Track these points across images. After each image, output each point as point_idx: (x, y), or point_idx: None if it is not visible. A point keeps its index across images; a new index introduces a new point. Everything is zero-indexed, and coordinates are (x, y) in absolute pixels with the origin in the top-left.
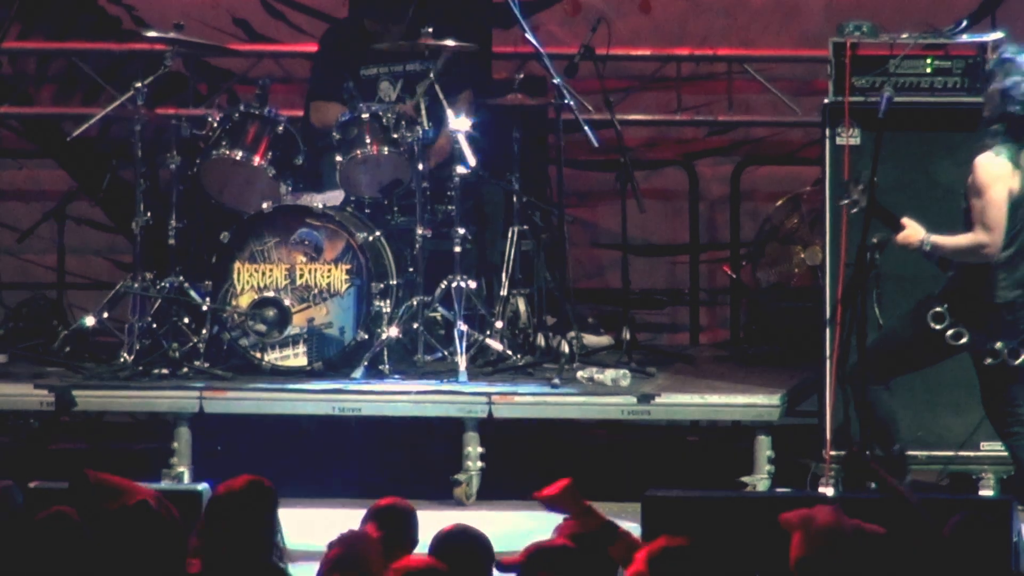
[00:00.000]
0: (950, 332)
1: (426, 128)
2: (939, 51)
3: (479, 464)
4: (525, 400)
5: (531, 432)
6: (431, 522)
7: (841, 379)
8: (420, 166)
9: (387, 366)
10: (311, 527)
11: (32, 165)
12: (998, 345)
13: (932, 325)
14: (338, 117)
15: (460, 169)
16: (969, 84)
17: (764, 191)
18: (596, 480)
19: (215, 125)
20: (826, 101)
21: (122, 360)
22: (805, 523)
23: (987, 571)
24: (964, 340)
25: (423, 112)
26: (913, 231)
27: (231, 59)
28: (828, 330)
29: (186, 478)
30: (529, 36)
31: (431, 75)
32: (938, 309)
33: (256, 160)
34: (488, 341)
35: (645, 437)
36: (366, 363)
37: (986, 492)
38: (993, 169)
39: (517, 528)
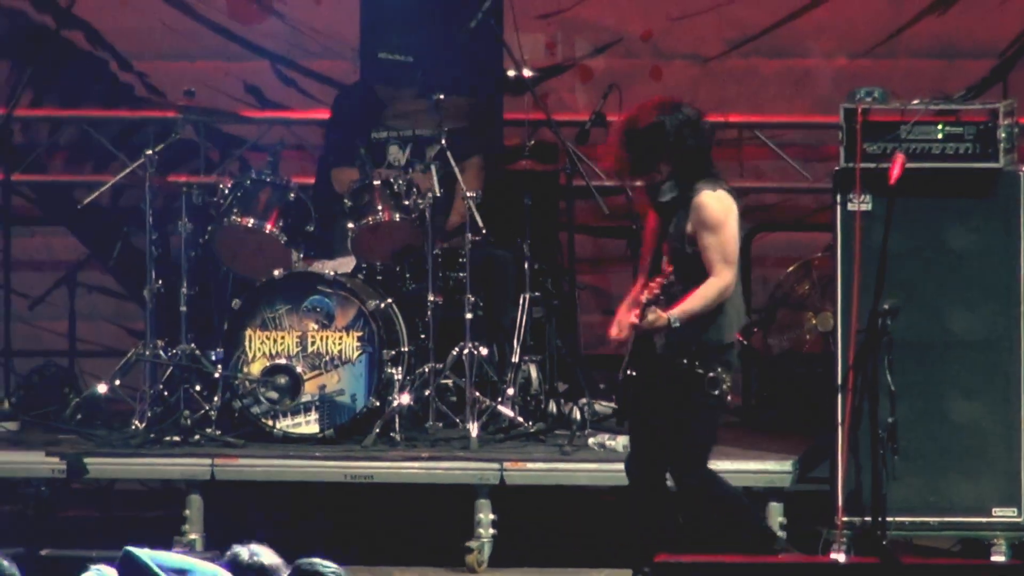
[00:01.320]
0: (718, 388)
1: (438, 195)
2: (950, 117)
3: (491, 531)
4: (537, 467)
5: (542, 498)
6: None
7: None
8: (431, 233)
9: (399, 433)
10: None
11: (44, 232)
12: (726, 385)
13: (713, 392)
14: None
15: (471, 236)
16: (981, 150)
17: (775, 257)
18: (607, 546)
19: (227, 192)
20: (837, 167)
21: (134, 427)
22: None
23: None
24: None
25: (435, 178)
26: (655, 316)
27: (243, 126)
28: (840, 396)
29: (198, 545)
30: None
31: (442, 140)
32: (711, 375)
33: (268, 227)
34: (500, 408)
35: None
36: (378, 430)
37: (998, 558)
38: (723, 202)
39: None
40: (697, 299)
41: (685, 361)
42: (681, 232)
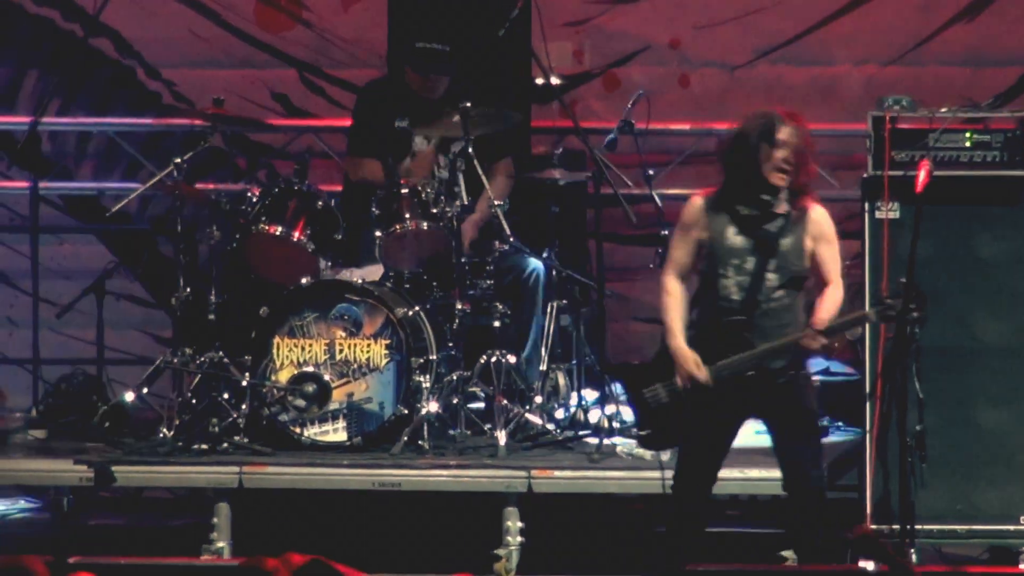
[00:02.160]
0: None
1: (465, 203)
2: (978, 125)
3: (519, 539)
4: (565, 475)
5: (570, 506)
6: None
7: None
8: (459, 241)
9: (427, 441)
10: None
11: (72, 240)
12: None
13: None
14: (380, 174)
15: (499, 244)
16: (1008, 158)
17: None
18: (635, 554)
19: (254, 200)
20: (865, 175)
21: (161, 436)
22: None
23: None
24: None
25: (461, 184)
26: (811, 339)
27: (270, 134)
28: (868, 404)
29: (226, 553)
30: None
31: (469, 152)
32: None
33: (295, 235)
34: (528, 416)
35: None
36: (406, 438)
37: None
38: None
39: None
40: (834, 309)
41: (803, 372)
42: (799, 248)
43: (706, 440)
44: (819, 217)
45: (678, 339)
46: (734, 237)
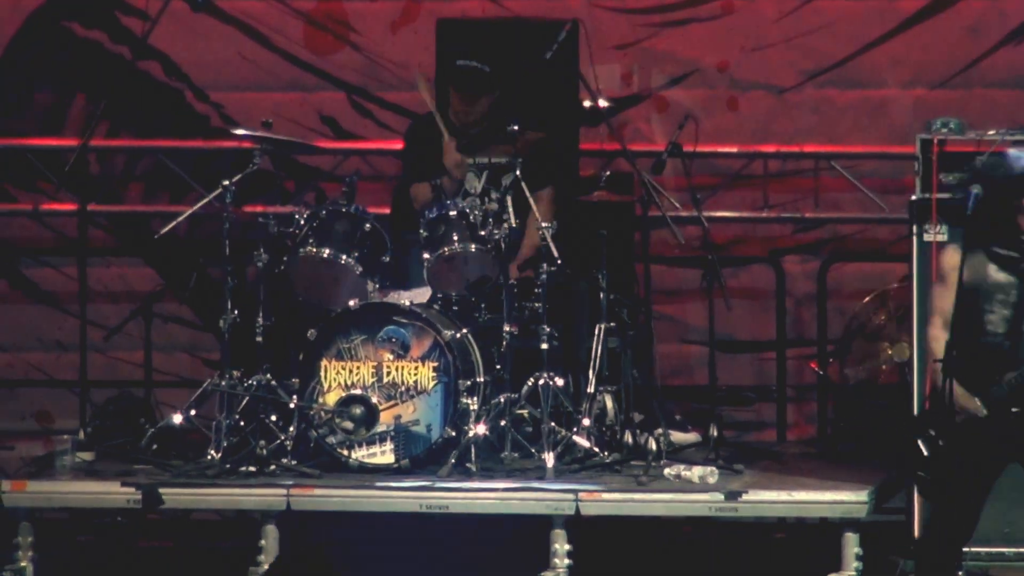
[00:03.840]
0: None
1: (513, 225)
2: None
3: (567, 561)
4: (613, 498)
5: (616, 529)
6: None
7: None
8: (506, 263)
9: (474, 463)
10: None
11: (120, 263)
12: None
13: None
14: (426, 208)
15: (547, 266)
16: None
17: (851, 288)
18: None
19: (302, 223)
20: (913, 198)
21: (209, 458)
22: None
23: None
24: None
25: (509, 208)
26: None
27: (318, 156)
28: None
29: None
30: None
31: (516, 169)
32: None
33: (343, 258)
34: (575, 438)
35: (732, 534)
36: (453, 460)
37: None
38: None
39: None
40: None
41: None
42: None
43: (977, 482)
44: None
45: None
46: (996, 274)
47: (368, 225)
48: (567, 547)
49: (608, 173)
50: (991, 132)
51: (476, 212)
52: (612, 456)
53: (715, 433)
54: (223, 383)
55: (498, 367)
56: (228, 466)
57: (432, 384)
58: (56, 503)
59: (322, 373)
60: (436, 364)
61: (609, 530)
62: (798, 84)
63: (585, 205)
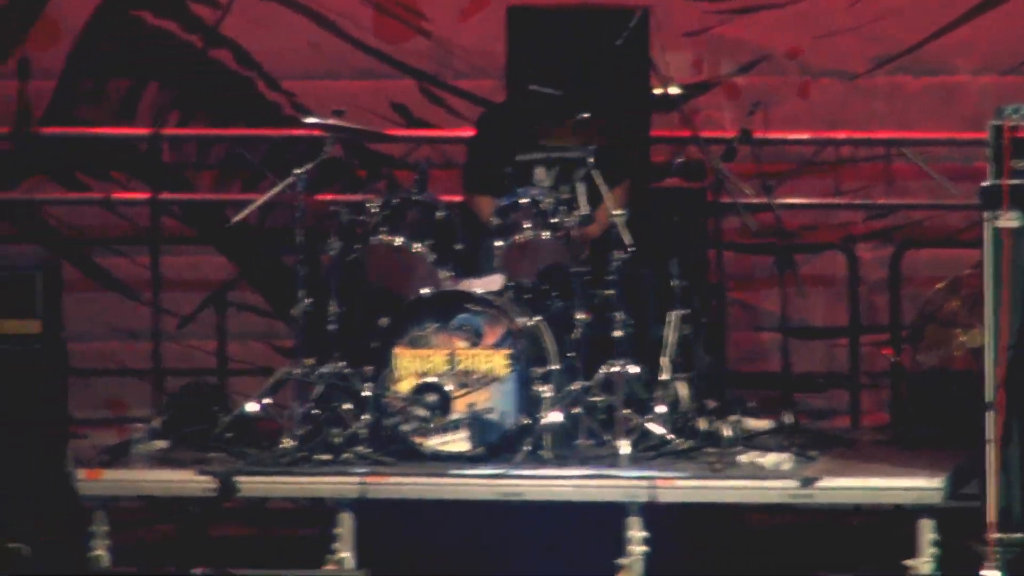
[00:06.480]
0: None
1: (585, 213)
2: None
3: (642, 548)
4: (688, 484)
5: (690, 516)
6: None
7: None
8: (578, 251)
9: (548, 451)
10: None
11: (192, 251)
12: None
13: None
14: (491, 211)
15: (619, 253)
16: None
17: (923, 274)
18: (759, 564)
19: (374, 211)
20: (984, 184)
21: (284, 446)
22: None
23: None
24: None
25: (582, 196)
26: None
27: (390, 144)
28: (990, 413)
29: (348, 564)
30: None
31: (588, 160)
32: None
33: (415, 246)
34: (649, 425)
35: (807, 520)
36: (528, 448)
37: None
38: None
39: None
40: None
41: None
42: None
43: None
44: None
45: None
46: None
47: (440, 213)
48: (642, 534)
49: (680, 160)
50: None
51: (548, 200)
52: (686, 443)
53: (789, 420)
54: (297, 371)
55: (571, 354)
56: (302, 454)
57: (505, 372)
58: (131, 492)
59: (395, 361)
60: (509, 351)
61: (681, 518)
62: (869, 70)
63: (657, 192)
